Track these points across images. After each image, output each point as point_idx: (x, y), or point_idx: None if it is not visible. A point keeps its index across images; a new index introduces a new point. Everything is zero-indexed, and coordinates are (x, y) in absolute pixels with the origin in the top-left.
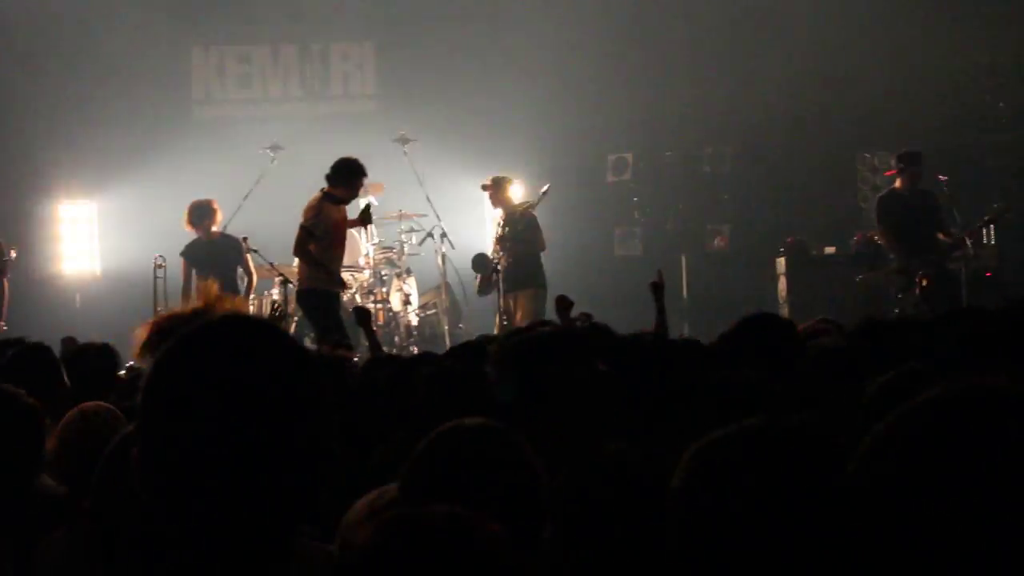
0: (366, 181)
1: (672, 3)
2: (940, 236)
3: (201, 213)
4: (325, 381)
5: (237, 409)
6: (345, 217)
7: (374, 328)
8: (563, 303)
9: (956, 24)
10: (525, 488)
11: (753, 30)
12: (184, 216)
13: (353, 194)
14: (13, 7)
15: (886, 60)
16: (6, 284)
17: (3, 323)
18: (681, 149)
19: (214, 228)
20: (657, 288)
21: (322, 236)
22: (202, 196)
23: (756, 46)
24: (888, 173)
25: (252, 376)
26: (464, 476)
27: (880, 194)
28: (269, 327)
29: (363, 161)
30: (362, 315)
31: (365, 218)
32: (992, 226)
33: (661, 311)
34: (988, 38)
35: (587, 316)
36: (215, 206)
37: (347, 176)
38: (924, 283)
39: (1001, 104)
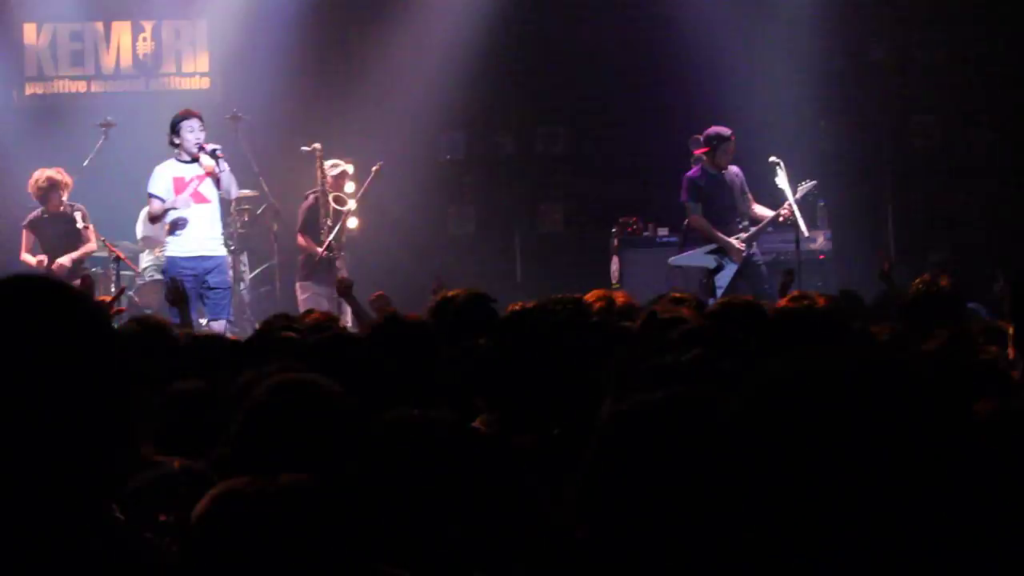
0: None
1: None
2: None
3: (49, 185)
4: (114, 344)
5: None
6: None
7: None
8: (344, 284)
9: (801, 9)
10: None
11: (589, 5)
12: (30, 188)
13: (184, 144)
14: None
15: (725, 41)
16: None
17: None
18: (514, 129)
19: (64, 198)
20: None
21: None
22: (34, 174)
23: (594, 23)
24: (697, 152)
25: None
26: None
27: (688, 172)
28: (56, 286)
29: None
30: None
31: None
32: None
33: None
34: (829, 24)
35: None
36: (62, 176)
37: (170, 132)
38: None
39: (839, 88)
